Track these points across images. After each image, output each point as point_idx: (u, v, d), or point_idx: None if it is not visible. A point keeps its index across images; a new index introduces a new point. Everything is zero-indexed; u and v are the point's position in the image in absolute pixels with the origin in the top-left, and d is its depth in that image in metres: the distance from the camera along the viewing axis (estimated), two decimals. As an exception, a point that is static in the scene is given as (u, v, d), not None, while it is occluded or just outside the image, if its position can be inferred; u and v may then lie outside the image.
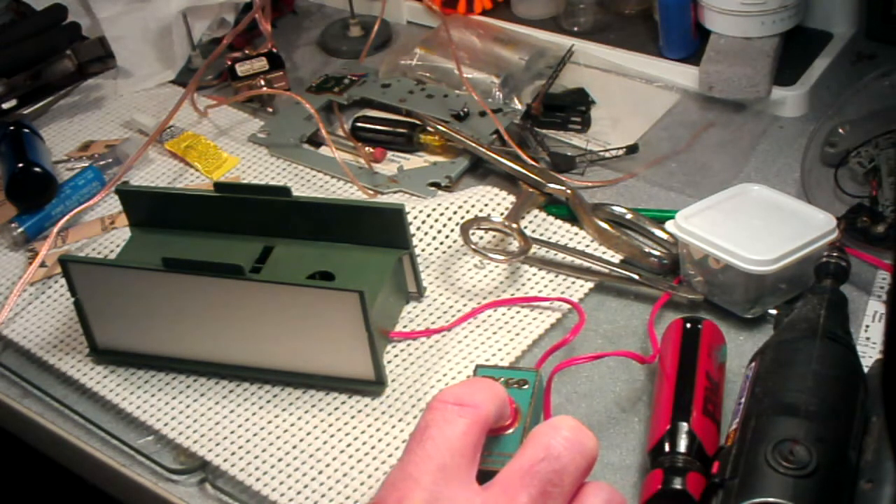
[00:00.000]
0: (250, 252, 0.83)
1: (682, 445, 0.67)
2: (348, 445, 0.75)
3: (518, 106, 1.03)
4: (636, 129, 1.00)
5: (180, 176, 1.02)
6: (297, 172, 1.01)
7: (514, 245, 0.87)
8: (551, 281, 0.86)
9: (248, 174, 1.01)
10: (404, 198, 0.95)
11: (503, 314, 0.83)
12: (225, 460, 0.75)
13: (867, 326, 0.79)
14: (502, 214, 0.89)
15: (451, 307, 0.84)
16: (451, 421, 0.49)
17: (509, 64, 1.07)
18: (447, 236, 0.90)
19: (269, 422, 0.77)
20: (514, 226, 0.86)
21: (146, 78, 1.15)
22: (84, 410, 0.81)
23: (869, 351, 0.76)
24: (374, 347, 0.75)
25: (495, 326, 0.82)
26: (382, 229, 0.81)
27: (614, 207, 0.90)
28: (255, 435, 0.76)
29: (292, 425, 0.76)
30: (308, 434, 0.76)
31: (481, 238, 0.89)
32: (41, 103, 1.11)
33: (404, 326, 0.83)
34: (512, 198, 0.92)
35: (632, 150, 0.97)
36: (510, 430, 0.56)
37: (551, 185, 0.92)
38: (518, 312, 0.83)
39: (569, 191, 0.91)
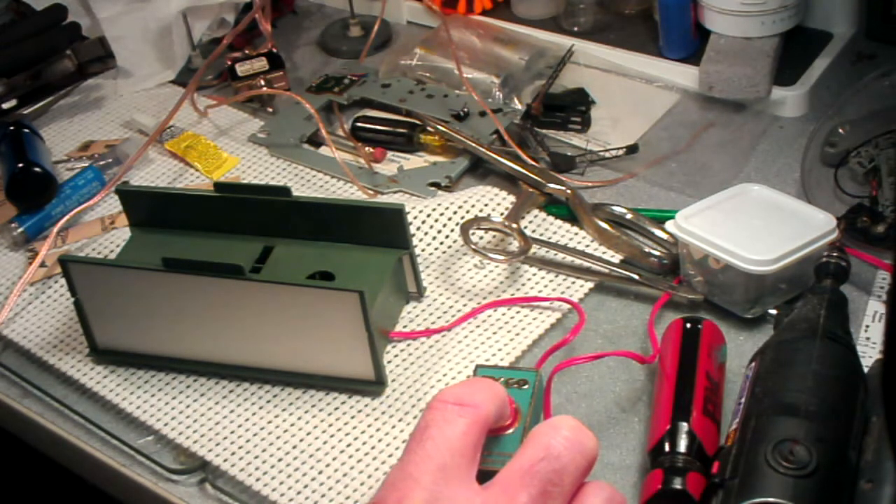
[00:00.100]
0: (250, 252, 0.83)
1: (682, 445, 0.67)
2: (348, 445, 0.75)
3: (518, 106, 1.03)
4: (636, 129, 1.00)
5: (180, 176, 1.02)
6: (297, 172, 1.01)
7: (514, 245, 0.87)
8: (551, 281, 0.86)
9: (248, 174, 1.01)
10: (404, 198, 0.95)
11: (503, 314, 0.83)
12: (225, 460, 0.75)
13: (867, 326, 0.79)
14: (502, 214, 0.89)
15: (451, 307, 0.84)
16: (451, 421, 0.49)
17: (509, 64, 1.07)
18: (447, 236, 0.90)
19: (269, 422, 0.77)
20: (514, 226, 0.86)
21: (146, 78, 1.15)
22: (84, 410, 0.81)
23: (869, 351, 0.76)
24: (374, 347, 0.75)
25: (495, 326, 0.82)
26: (382, 229, 0.81)
27: (614, 207, 0.90)
28: (255, 435, 0.76)
29: (292, 425, 0.76)
30: (308, 434, 0.76)
31: (481, 238, 0.89)
32: (41, 103, 1.11)
33: (404, 326, 0.83)
34: (512, 198, 0.92)
35: (632, 150, 0.97)
36: (510, 430, 0.56)
37: (551, 185, 0.92)
38: (518, 312, 0.83)
39: (569, 191, 0.91)
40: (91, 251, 0.93)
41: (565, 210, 0.91)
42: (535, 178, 0.92)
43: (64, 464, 0.83)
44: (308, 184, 0.99)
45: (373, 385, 0.78)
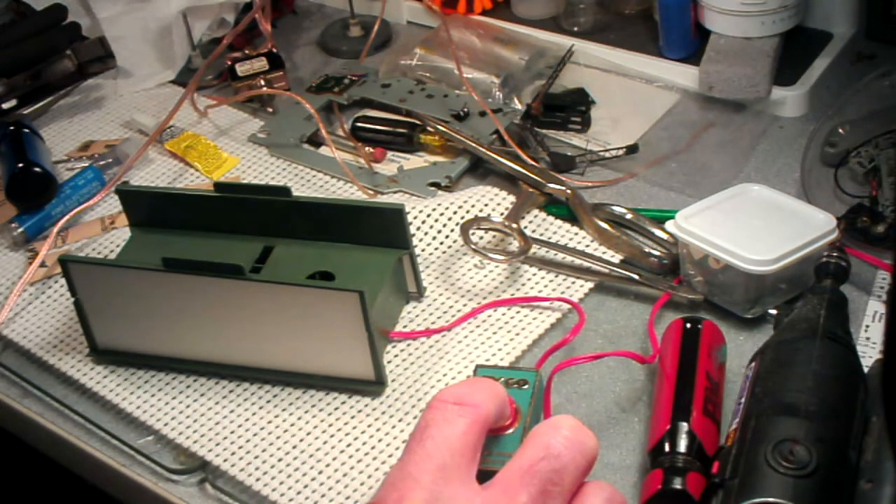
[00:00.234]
0: (250, 252, 0.83)
1: (682, 445, 0.67)
2: (348, 445, 0.75)
3: (518, 106, 1.03)
4: (636, 129, 1.00)
5: (180, 176, 1.02)
6: (297, 172, 1.01)
7: (514, 245, 0.87)
8: (551, 281, 0.86)
9: (248, 174, 1.01)
10: (404, 198, 0.95)
11: (503, 314, 0.83)
12: (225, 460, 0.75)
13: (867, 326, 0.79)
14: (502, 214, 0.89)
15: (451, 307, 0.84)
16: (451, 420, 0.49)
17: (509, 64, 1.07)
18: (447, 236, 0.90)
19: (269, 422, 0.77)
20: (514, 226, 0.86)
21: (146, 78, 1.15)
22: (84, 410, 0.81)
23: (869, 351, 0.76)
24: (374, 347, 0.75)
25: (495, 326, 0.82)
26: (382, 229, 0.81)
27: (614, 207, 0.90)
28: (255, 435, 0.76)
29: (292, 425, 0.76)
30: (308, 434, 0.76)
31: (481, 238, 0.89)
32: (41, 103, 1.11)
33: (404, 326, 0.83)
34: (512, 198, 0.92)
35: (632, 150, 0.97)
36: (510, 430, 0.56)
37: (551, 185, 0.92)
38: (518, 312, 0.83)
39: (569, 191, 0.91)
40: (91, 251, 0.93)
41: (565, 210, 0.91)
42: (535, 178, 0.92)
43: (64, 464, 0.83)
44: (308, 184, 0.99)
45: (373, 385, 0.78)
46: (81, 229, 0.96)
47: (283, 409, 0.78)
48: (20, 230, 0.96)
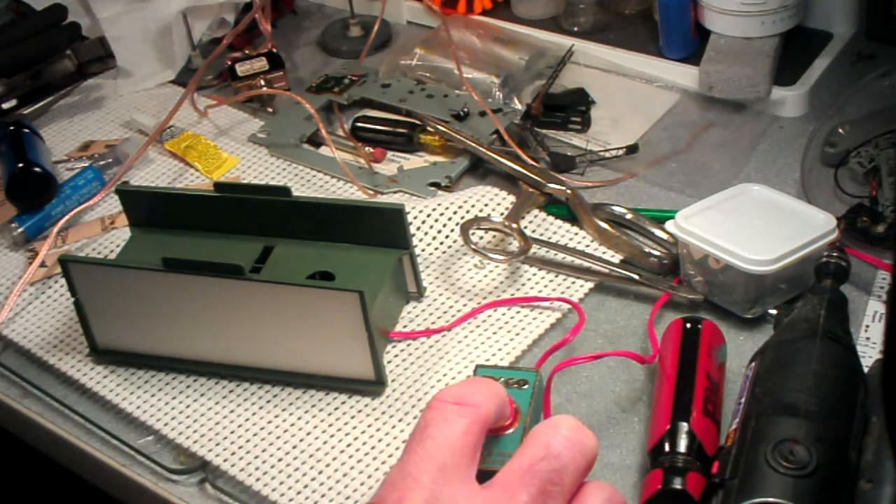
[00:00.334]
0: (250, 252, 0.83)
1: (682, 445, 0.67)
2: (348, 445, 0.75)
3: (518, 106, 1.03)
4: (636, 129, 1.00)
5: (180, 176, 1.02)
6: (297, 172, 1.01)
7: (514, 245, 0.87)
8: (551, 281, 0.86)
9: (248, 174, 1.01)
10: (404, 198, 0.95)
11: (503, 314, 0.83)
12: (225, 460, 0.75)
13: (867, 326, 0.79)
14: (502, 214, 0.89)
15: (451, 307, 0.84)
16: (451, 420, 0.49)
17: (509, 64, 1.07)
18: (447, 236, 0.90)
19: (269, 422, 0.77)
20: (514, 226, 0.86)
21: (146, 78, 1.15)
22: (84, 410, 0.81)
23: (869, 351, 0.76)
24: (374, 347, 0.75)
25: (495, 326, 0.82)
26: (382, 229, 0.81)
27: (614, 207, 0.90)
28: (255, 435, 0.76)
29: (292, 425, 0.76)
30: (308, 434, 0.76)
31: (481, 238, 0.89)
32: (41, 103, 1.11)
33: (404, 326, 0.83)
34: (512, 198, 0.92)
35: (632, 150, 0.97)
36: (510, 430, 0.56)
37: (551, 185, 0.92)
38: (518, 312, 0.83)
39: (569, 191, 0.91)
40: (91, 251, 0.93)
41: (565, 210, 0.91)
42: (535, 178, 0.92)
43: (64, 464, 0.83)
44: (308, 184, 0.99)
45: (373, 385, 0.78)
46: (81, 229, 0.96)
47: (283, 409, 0.78)
48: (20, 230, 0.96)
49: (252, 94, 1.08)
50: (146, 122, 1.08)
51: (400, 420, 0.76)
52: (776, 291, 0.79)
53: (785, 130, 0.99)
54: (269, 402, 0.78)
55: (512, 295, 0.84)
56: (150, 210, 0.86)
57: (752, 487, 0.60)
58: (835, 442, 0.63)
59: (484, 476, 0.49)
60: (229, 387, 0.80)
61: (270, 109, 1.09)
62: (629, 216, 0.90)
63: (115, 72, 1.13)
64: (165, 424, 0.77)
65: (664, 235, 0.86)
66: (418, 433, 0.49)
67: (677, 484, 0.66)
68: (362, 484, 0.72)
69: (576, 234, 0.90)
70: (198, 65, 1.13)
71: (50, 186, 0.97)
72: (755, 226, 0.81)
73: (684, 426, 0.68)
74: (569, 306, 0.83)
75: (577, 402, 0.77)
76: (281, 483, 0.73)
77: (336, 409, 0.77)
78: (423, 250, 0.89)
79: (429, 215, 0.90)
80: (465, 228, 0.85)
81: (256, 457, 0.74)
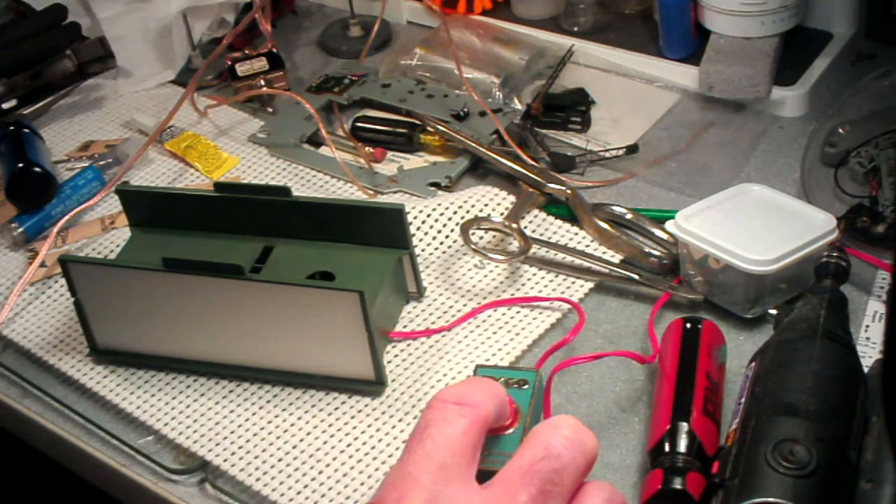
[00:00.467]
0: (250, 252, 0.83)
1: (682, 445, 0.67)
2: (348, 445, 0.75)
3: (518, 106, 1.03)
4: (636, 129, 1.00)
5: (180, 176, 1.02)
6: (297, 172, 1.01)
7: (514, 245, 0.87)
8: (551, 281, 0.86)
9: (248, 174, 1.01)
10: (404, 198, 0.95)
11: (503, 314, 0.83)
12: (225, 460, 0.75)
13: (867, 326, 0.79)
14: (502, 214, 0.89)
15: (451, 307, 0.84)
16: (451, 420, 0.49)
17: (509, 64, 1.07)
18: (447, 236, 0.90)
19: (269, 422, 0.77)
20: (514, 226, 0.86)
21: (146, 78, 1.15)
22: (84, 410, 0.81)
23: (869, 351, 0.76)
24: (374, 347, 0.75)
25: (495, 326, 0.82)
26: (382, 229, 0.81)
27: (614, 207, 0.90)
28: (255, 435, 0.76)
29: (292, 425, 0.76)
30: (308, 434, 0.76)
31: (481, 238, 0.89)
32: (41, 103, 1.11)
33: (404, 326, 0.83)
34: (512, 198, 0.92)
35: (632, 150, 0.97)
36: (510, 430, 0.56)
37: (551, 185, 0.92)
38: (518, 312, 0.83)
39: (569, 191, 0.91)
40: (91, 251, 0.93)
41: (565, 210, 0.91)
42: (535, 178, 0.92)
43: (64, 464, 0.83)
44: (308, 184, 0.99)
45: (373, 385, 0.78)
46: (81, 229, 0.96)
47: (283, 409, 0.78)
48: (20, 230, 0.96)
49: (252, 94, 1.08)
50: (146, 122, 1.08)
51: (400, 420, 0.76)
52: (776, 291, 0.79)
53: (785, 130, 0.99)
54: (269, 402, 0.78)
55: (512, 295, 0.84)
56: (150, 210, 0.86)
57: (752, 487, 0.60)
58: (835, 442, 0.63)
59: (484, 476, 0.49)
60: (229, 387, 0.80)
61: (270, 109, 1.09)
62: (629, 216, 0.90)
63: (115, 72, 1.13)
64: (165, 424, 0.77)
65: (664, 235, 0.86)
66: (418, 433, 0.49)
67: (677, 484, 0.66)
68: (362, 484, 0.72)
69: (576, 234, 0.90)
70: (198, 65, 1.13)
71: (50, 186, 0.97)
72: (755, 226, 0.81)
73: (684, 426, 0.68)
74: (569, 306, 0.83)
75: (577, 402, 0.77)
76: (281, 483, 0.73)
77: (336, 409, 0.77)
78: (423, 250, 0.89)
79: (429, 215, 0.90)
80: (465, 228, 0.85)
81: (256, 457, 0.74)
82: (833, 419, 0.64)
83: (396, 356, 0.81)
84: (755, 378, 0.68)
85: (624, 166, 0.97)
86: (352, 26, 1.18)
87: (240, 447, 0.75)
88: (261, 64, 1.10)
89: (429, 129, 0.99)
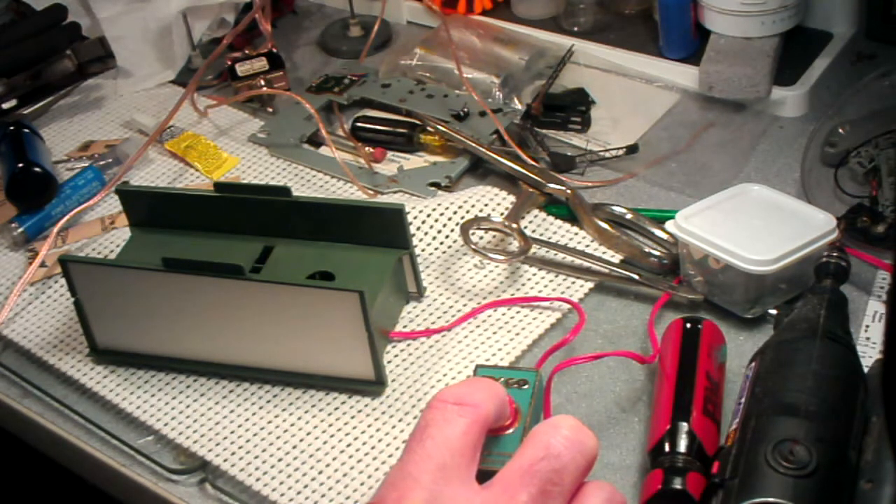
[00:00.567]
0: (250, 252, 0.83)
1: (682, 445, 0.67)
2: (348, 445, 0.75)
3: (518, 106, 1.03)
4: (636, 129, 1.00)
5: (180, 176, 1.02)
6: (297, 172, 1.01)
7: (514, 245, 0.87)
8: (551, 281, 0.86)
9: (248, 174, 1.01)
10: (404, 198, 0.95)
11: (503, 314, 0.83)
12: (225, 460, 0.75)
13: (867, 326, 0.79)
14: (502, 214, 0.89)
15: (451, 307, 0.84)
16: (451, 420, 0.49)
17: (509, 64, 1.07)
18: (447, 236, 0.90)
19: (269, 422, 0.77)
20: (514, 226, 0.86)
21: (146, 78, 1.15)
22: (84, 410, 0.81)
23: (869, 351, 0.76)
24: (374, 347, 0.75)
25: (495, 326, 0.82)
26: (382, 229, 0.81)
27: (614, 207, 0.90)
28: (255, 435, 0.76)
29: (292, 425, 0.76)
30: (308, 434, 0.76)
31: (481, 238, 0.89)
32: (41, 103, 1.11)
33: (404, 326, 0.83)
34: (512, 198, 0.92)
35: (632, 150, 0.97)
36: (510, 430, 0.56)
37: (551, 185, 0.92)
38: (518, 312, 0.83)
39: (569, 191, 0.91)
40: (91, 251, 0.93)
41: (565, 210, 0.91)
42: (535, 178, 0.92)
43: (64, 464, 0.83)
44: (308, 184, 0.99)
45: (373, 385, 0.78)
46: (81, 229, 0.96)
47: (283, 409, 0.78)
48: (20, 230, 0.96)
49: (252, 94, 1.08)
50: (146, 122, 1.08)
51: (400, 420, 0.76)
52: (776, 291, 0.79)
53: (785, 130, 0.99)
54: (269, 402, 0.78)
55: (512, 295, 0.84)
56: (150, 210, 0.86)
57: (752, 487, 0.60)
58: (835, 442, 0.63)
59: (484, 476, 0.49)
60: (229, 387, 0.80)
61: (270, 109, 1.09)
62: (629, 216, 0.90)
63: (115, 72, 1.13)
64: (165, 424, 0.77)
65: (664, 235, 0.86)
66: (418, 433, 0.49)
67: (677, 484, 0.66)
68: (362, 484, 0.72)
69: (576, 234, 0.90)
70: (198, 65, 1.13)
71: (50, 186, 0.97)
72: (755, 226, 0.81)
73: (684, 426, 0.68)
74: (569, 306, 0.83)
75: (577, 402, 0.77)
76: (281, 483, 0.73)
77: (336, 409, 0.77)
78: (423, 250, 0.89)
79: (429, 215, 0.90)
80: (465, 228, 0.85)
81: (256, 457, 0.74)
82: (833, 419, 0.64)
83: (396, 356, 0.81)
84: (755, 378, 0.68)
85: (624, 166, 0.97)
86: (352, 26, 1.19)
87: (240, 447, 0.75)
88: (261, 64, 1.10)
89: (429, 129, 0.99)
